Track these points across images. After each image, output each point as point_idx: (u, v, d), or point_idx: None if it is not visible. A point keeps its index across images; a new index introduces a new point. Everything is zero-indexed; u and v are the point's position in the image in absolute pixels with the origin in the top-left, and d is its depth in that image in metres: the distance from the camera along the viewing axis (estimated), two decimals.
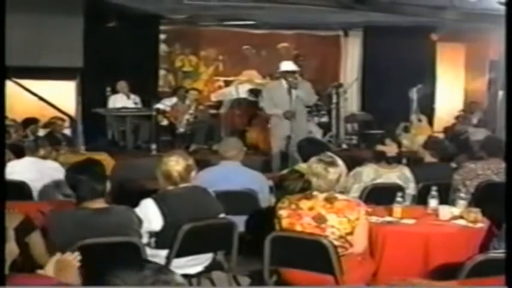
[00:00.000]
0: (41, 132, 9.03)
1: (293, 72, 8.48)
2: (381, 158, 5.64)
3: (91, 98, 10.49)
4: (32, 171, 5.61)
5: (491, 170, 5.80)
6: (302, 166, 5.40)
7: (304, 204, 4.00)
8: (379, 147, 5.72)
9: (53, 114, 10.13)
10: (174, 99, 11.01)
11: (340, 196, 4.04)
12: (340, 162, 4.05)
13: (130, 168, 8.25)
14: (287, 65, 8.58)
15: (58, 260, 2.77)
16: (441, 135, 11.20)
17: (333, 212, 3.93)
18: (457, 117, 12.14)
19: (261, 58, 13.27)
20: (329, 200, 3.96)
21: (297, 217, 3.99)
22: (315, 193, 4.01)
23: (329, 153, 4.17)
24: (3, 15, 4.20)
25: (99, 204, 3.77)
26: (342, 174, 4.02)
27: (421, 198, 5.35)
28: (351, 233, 3.94)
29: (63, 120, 10.05)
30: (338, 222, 3.91)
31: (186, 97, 10.87)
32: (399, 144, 5.86)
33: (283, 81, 8.41)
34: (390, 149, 5.70)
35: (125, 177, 7.15)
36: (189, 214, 4.08)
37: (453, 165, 6.33)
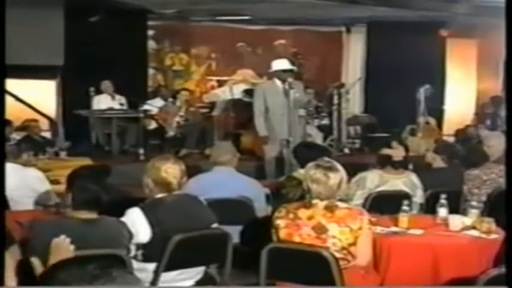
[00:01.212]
0: (15, 136, 8.97)
1: (289, 71, 8.48)
2: (386, 163, 5.64)
3: (73, 98, 10.48)
4: (13, 179, 5.42)
5: (495, 173, 5.82)
6: (301, 172, 5.39)
7: (303, 213, 3.99)
8: (385, 151, 5.72)
9: (34, 117, 10.12)
10: (163, 100, 11.00)
11: (341, 204, 4.03)
12: (339, 167, 4.05)
13: (115, 174, 8.23)
14: (281, 64, 8.56)
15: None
16: (451, 139, 11.22)
17: (334, 222, 3.93)
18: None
19: (256, 56, 13.29)
20: (329, 209, 3.95)
21: (296, 227, 3.98)
22: (314, 201, 4.00)
23: (326, 158, 4.17)
24: (2, 15, 4.21)
25: (90, 214, 3.76)
26: (342, 180, 4.02)
27: (429, 207, 5.35)
28: (353, 244, 3.93)
29: (36, 121, 10.01)
30: (339, 232, 3.91)
31: (176, 98, 10.87)
32: (406, 148, 5.86)
33: (277, 81, 8.41)
34: (397, 152, 5.70)
35: (109, 185, 7.13)
36: (179, 224, 4.07)
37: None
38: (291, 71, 8.53)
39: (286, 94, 8.27)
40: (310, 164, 4.09)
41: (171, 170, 4.17)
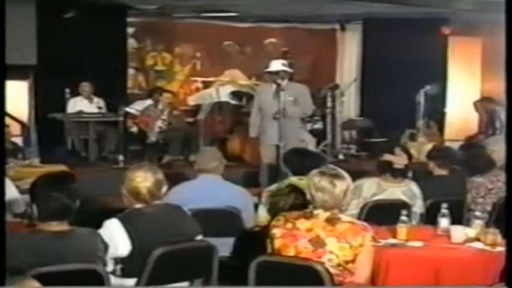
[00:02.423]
0: None
1: (284, 72, 8.60)
2: (387, 170, 5.63)
3: (47, 100, 10.43)
4: None
5: (502, 181, 5.82)
6: (292, 180, 5.39)
7: (302, 224, 3.98)
8: (387, 157, 5.71)
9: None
10: (144, 103, 10.99)
11: (344, 217, 4.01)
12: (345, 174, 4.05)
13: (92, 183, 8.21)
14: (274, 65, 8.65)
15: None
16: (453, 144, 11.25)
17: (334, 236, 3.91)
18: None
19: (245, 56, 13.29)
20: (331, 221, 3.94)
21: (292, 238, 3.97)
22: (316, 211, 3.98)
23: (331, 166, 4.20)
24: (3, 15, 4.22)
25: (61, 226, 3.73)
26: (348, 188, 4.01)
27: (429, 218, 5.35)
28: (351, 261, 3.91)
29: (6, 125, 9.95)
30: (338, 248, 3.89)
31: (158, 100, 10.85)
32: (409, 155, 5.86)
33: (273, 84, 8.52)
34: (399, 159, 5.70)
35: (86, 194, 7.10)
36: (161, 237, 4.06)
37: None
38: (277, 73, 8.60)
39: (276, 96, 8.34)
40: (314, 171, 4.08)
41: (141, 179, 4.16)
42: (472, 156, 6.50)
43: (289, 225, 4.01)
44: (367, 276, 4.07)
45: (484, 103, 12.12)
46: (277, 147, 8.22)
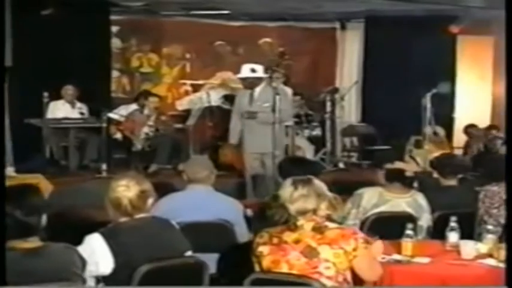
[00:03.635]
0: None
1: (257, 78, 8.82)
2: (397, 179, 5.62)
3: (23, 105, 10.39)
4: None
5: None
6: None
7: (289, 236, 3.98)
8: (399, 164, 5.70)
9: None
10: (129, 108, 10.99)
11: (331, 224, 4.03)
12: (316, 181, 4.08)
13: (73, 194, 8.21)
14: (244, 71, 8.91)
15: None
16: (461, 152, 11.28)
17: (325, 243, 3.92)
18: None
19: (238, 57, 13.29)
20: (318, 230, 3.95)
21: (282, 253, 3.97)
22: (299, 222, 3.99)
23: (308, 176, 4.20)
24: (3, 16, 4.24)
25: (32, 243, 3.71)
26: (313, 194, 4.02)
27: (437, 231, 5.34)
28: (349, 268, 3.93)
29: None
30: (333, 255, 3.89)
31: (144, 105, 10.84)
32: (416, 163, 5.87)
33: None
34: (411, 166, 5.69)
35: (66, 206, 7.10)
36: (147, 252, 4.04)
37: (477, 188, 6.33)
38: (260, 78, 8.82)
39: (250, 102, 8.75)
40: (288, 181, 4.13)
41: (123, 188, 4.14)
42: (487, 163, 6.49)
43: (275, 240, 4.01)
44: (376, 273, 4.12)
45: None
46: (261, 155, 8.58)
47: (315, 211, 4.00)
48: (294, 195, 4.00)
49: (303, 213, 3.99)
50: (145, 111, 10.76)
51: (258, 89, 8.71)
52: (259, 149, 8.65)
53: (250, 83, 8.76)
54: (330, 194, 4.10)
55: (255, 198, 8.41)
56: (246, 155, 8.88)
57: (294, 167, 5.81)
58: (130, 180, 4.19)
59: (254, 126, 8.68)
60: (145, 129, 10.60)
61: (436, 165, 6.44)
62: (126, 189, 4.13)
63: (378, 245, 4.51)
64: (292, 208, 4.00)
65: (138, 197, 4.14)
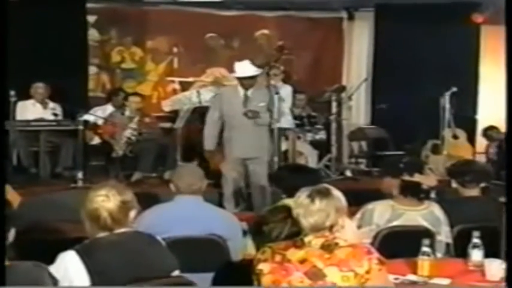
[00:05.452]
0: None
1: (251, 78, 8.90)
2: (414, 193, 5.60)
3: None
4: None
5: None
6: (287, 202, 5.37)
7: (293, 254, 3.97)
8: (417, 177, 5.68)
9: None
10: (106, 109, 10.97)
11: (342, 242, 4.02)
12: (336, 192, 4.08)
13: (44, 206, 8.18)
14: (242, 70, 8.97)
15: None
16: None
17: (334, 264, 3.91)
18: None
19: (232, 51, 13.32)
20: (327, 248, 3.94)
21: (284, 272, 3.96)
22: (307, 238, 3.99)
23: (325, 185, 4.21)
24: (5, 16, 4.29)
25: None
26: (334, 209, 4.02)
27: (458, 249, 5.36)
28: None
29: None
30: (341, 279, 3.89)
31: (122, 105, 10.83)
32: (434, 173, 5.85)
33: (239, 86, 8.95)
34: (430, 180, 5.67)
35: (36, 220, 7.08)
36: (129, 272, 4.03)
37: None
38: (253, 78, 8.91)
39: (245, 103, 8.81)
40: (301, 192, 4.11)
41: (102, 198, 4.12)
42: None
43: (278, 258, 4.00)
44: None
45: None
46: (244, 161, 8.73)
47: (331, 228, 4.01)
48: (310, 209, 4.00)
49: (318, 230, 4.00)
50: (127, 113, 10.75)
51: (252, 88, 8.75)
52: (251, 154, 8.69)
53: (250, 82, 8.81)
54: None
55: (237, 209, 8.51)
56: (229, 161, 8.95)
57: (292, 175, 5.82)
58: (110, 189, 4.17)
59: (248, 128, 8.70)
60: (127, 133, 10.59)
61: (454, 173, 6.42)
62: (105, 199, 4.11)
63: None
64: (306, 223, 4.00)
65: (119, 208, 4.13)
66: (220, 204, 8.49)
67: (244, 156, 8.81)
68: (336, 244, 3.97)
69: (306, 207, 4.01)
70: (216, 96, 9.48)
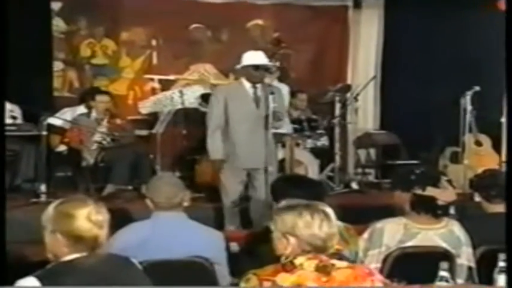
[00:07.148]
0: None
1: (265, 69, 8.76)
2: (428, 209, 5.59)
3: None
4: None
5: None
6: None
7: (285, 280, 3.96)
8: (431, 191, 5.66)
9: None
10: (76, 111, 10.95)
11: (339, 263, 4.03)
12: (329, 210, 4.10)
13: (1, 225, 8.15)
14: (253, 57, 8.77)
15: None
16: None
17: None
18: None
19: (220, 44, 13.36)
20: (324, 270, 3.94)
21: None
22: (298, 261, 3.98)
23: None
24: (5, 15, 4.30)
25: None
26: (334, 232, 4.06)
27: (482, 273, 5.36)
28: None
29: None
30: None
31: (91, 107, 10.81)
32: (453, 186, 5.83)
33: (245, 83, 8.70)
34: (447, 195, 5.65)
35: None
36: None
37: None
38: (268, 69, 8.68)
39: (257, 102, 8.57)
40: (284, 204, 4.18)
41: (88, 215, 4.08)
42: None
43: (266, 285, 3.98)
44: None
45: None
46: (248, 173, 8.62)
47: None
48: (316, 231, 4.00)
49: (322, 251, 4.01)
50: (93, 114, 10.72)
51: (268, 80, 8.57)
52: (260, 164, 8.50)
53: (262, 76, 8.69)
54: (340, 224, 4.10)
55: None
56: (232, 172, 8.76)
57: (290, 187, 5.82)
58: (94, 204, 4.15)
59: (257, 134, 8.52)
60: (98, 138, 10.56)
61: (478, 186, 6.43)
62: (94, 215, 4.08)
63: None
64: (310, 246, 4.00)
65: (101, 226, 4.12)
66: (217, 222, 8.44)
67: (253, 167, 8.64)
68: (333, 265, 3.98)
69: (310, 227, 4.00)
70: (216, 95, 9.09)
